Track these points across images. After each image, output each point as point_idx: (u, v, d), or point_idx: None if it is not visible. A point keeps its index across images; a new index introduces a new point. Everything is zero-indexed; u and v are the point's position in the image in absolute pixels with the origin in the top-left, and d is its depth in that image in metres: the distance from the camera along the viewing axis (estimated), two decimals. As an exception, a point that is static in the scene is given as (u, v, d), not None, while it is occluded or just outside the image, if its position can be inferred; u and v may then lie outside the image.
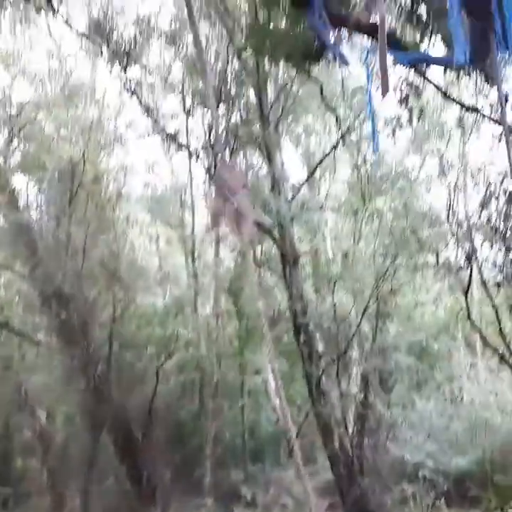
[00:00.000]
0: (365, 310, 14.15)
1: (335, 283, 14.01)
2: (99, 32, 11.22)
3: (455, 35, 3.99)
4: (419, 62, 6.30)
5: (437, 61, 5.85)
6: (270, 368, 15.44)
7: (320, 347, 13.59)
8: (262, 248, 16.48)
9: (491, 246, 11.11)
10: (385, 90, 4.38)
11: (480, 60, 4.45)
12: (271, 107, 12.94)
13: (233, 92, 12.86)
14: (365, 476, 11.61)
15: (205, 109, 13.06)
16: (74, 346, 12.92)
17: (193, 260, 15.93)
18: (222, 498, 12.31)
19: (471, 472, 11.80)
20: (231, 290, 15.79)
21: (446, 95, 7.32)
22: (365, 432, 12.49)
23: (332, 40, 5.03)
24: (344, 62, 5.00)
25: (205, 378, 14.58)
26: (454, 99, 7.44)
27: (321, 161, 14.58)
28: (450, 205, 13.17)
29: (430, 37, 6.11)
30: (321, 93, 11.39)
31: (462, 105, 8.73)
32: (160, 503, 12.17)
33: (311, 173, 15.06)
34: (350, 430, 12.44)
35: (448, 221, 12.91)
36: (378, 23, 4.14)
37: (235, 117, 13.19)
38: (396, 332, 15.00)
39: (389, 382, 14.84)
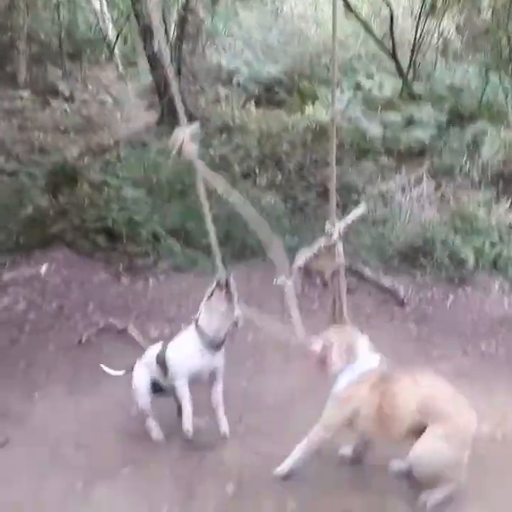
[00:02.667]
0: None
1: None
2: None
3: None
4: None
5: None
6: None
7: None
8: None
9: None
10: None
11: None
12: None
13: None
14: (182, 79, 12.03)
15: None
16: None
17: None
18: (39, 92, 12.21)
19: (280, 79, 12.67)
20: None
21: None
22: (184, 36, 12.51)
23: None
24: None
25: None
26: None
27: None
28: None
29: None
30: None
31: None
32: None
33: None
34: (170, 34, 12.36)
35: None
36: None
37: None
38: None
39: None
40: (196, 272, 7.95)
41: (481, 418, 3.23)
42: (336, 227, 3.46)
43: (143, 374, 3.97)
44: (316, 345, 3.25)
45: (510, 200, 8.93)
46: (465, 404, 3.07)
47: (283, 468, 3.32)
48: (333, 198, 3.59)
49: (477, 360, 5.27)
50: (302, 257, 3.36)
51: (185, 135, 3.09)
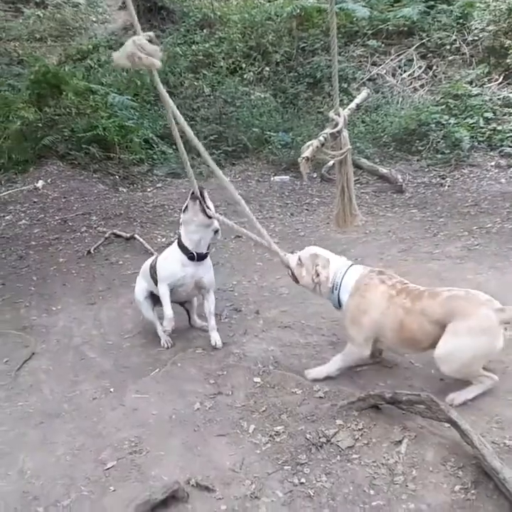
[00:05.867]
0: None
1: None
2: None
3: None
4: None
5: None
6: None
7: None
8: None
9: None
10: None
11: None
12: None
13: None
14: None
15: None
16: None
17: None
18: (9, 0, 11.47)
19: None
20: None
21: None
22: None
23: None
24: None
25: None
26: None
27: None
28: None
29: None
30: None
31: None
32: None
33: None
34: None
35: None
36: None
37: None
38: None
39: None
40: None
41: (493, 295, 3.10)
42: (341, 114, 3.38)
43: (141, 287, 4.06)
44: (292, 262, 3.35)
45: (502, 75, 8.76)
46: (483, 298, 2.96)
47: (317, 374, 3.34)
48: (336, 83, 3.45)
49: (484, 239, 5.26)
50: (309, 148, 3.26)
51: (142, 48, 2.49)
